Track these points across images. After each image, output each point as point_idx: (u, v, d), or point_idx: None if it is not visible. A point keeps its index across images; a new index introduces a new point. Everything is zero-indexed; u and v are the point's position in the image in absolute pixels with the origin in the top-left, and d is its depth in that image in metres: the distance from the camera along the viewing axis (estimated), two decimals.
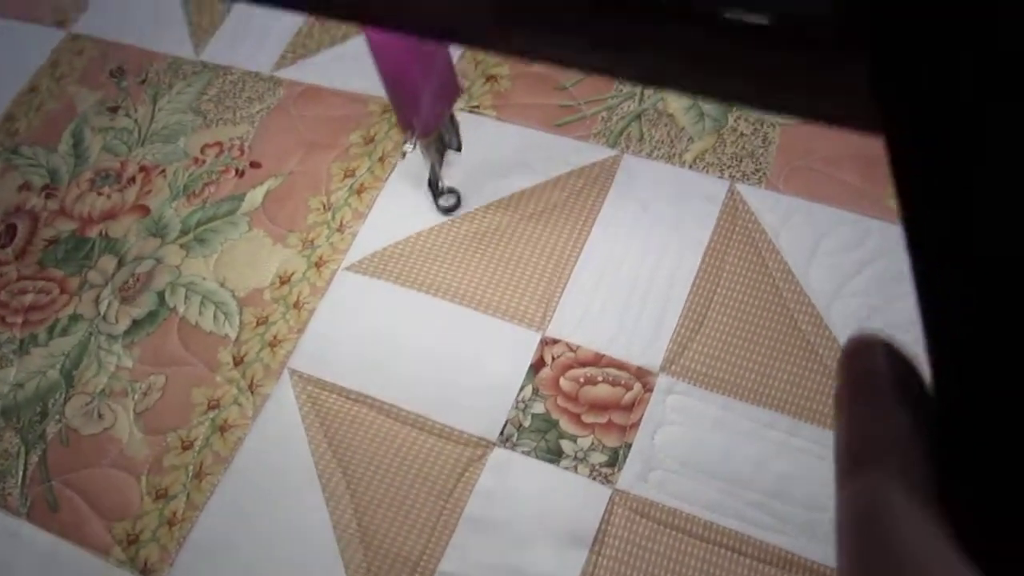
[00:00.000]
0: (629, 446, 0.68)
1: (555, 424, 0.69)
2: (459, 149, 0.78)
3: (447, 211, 0.80)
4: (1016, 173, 0.17)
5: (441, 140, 0.75)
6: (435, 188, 0.79)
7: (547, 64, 0.29)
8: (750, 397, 0.68)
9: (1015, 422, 0.17)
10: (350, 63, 0.91)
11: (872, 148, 0.77)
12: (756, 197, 0.76)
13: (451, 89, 0.72)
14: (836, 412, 0.22)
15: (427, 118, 0.70)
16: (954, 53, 0.17)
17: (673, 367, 0.70)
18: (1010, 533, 0.18)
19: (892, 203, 0.75)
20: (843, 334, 0.70)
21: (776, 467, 0.66)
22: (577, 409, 0.70)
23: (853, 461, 0.21)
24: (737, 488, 0.65)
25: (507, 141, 0.82)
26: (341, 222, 0.82)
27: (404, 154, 0.72)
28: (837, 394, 0.22)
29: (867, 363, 0.22)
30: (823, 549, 0.63)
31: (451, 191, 0.80)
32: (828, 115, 0.25)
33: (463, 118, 0.83)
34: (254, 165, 0.87)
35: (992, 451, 0.18)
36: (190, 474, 0.72)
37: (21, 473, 0.75)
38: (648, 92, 0.83)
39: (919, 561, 0.18)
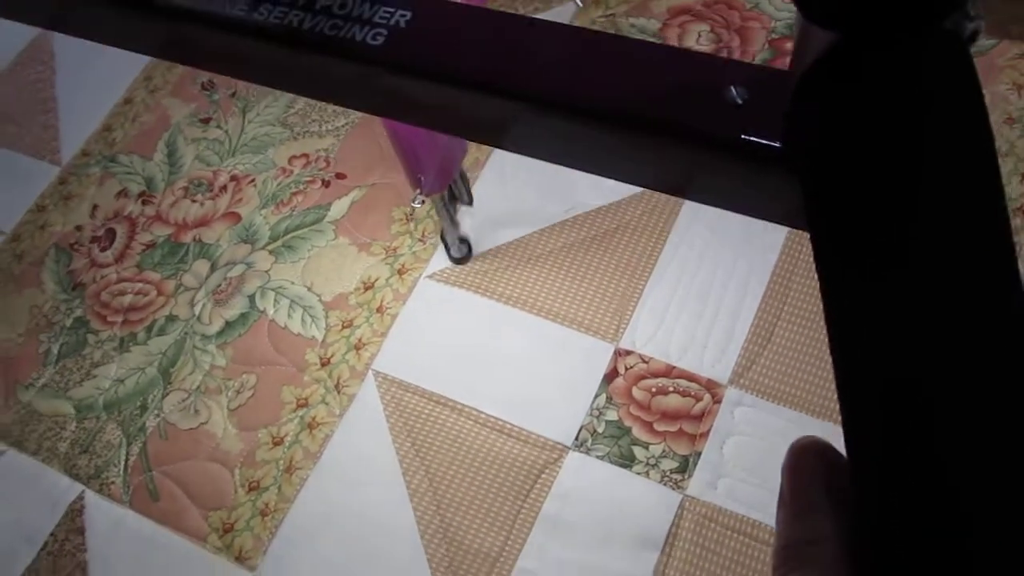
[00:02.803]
0: (699, 454, 0.71)
1: (628, 431, 0.73)
2: (470, 203, 0.79)
3: (458, 262, 0.83)
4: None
5: (452, 195, 0.77)
6: (446, 240, 0.82)
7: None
8: (816, 412, 0.72)
9: (926, 531, 0.19)
10: None
11: None
12: None
13: (458, 149, 0.73)
14: (777, 514, 0.24)
15: (435, 177, 0.70)
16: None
17: (742, 380, 0.74)
18: None
19: None
20: None
21: None
22: (649, 417, 0.73)
23: (781, 563, 0.23)
24: None
25: None
26: (423, 233, 0.86)
27: (412, 210, 0.72)
28: (779, 496, 0.24)
29: (805, 468, 0.24)
30: None
31: (463, 241, 0.82)
32: (762, 213, 0.30)
33: None
34: (339, 176, 0.92)
35: (904, 555, 0.19)
36: (281, 468, 0.77)
37: (123, 463, 0.80)
38: None
39: None
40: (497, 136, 0.35)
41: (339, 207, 0.90)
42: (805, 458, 0.24)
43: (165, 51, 0.42)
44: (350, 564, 0.72)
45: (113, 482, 0.79)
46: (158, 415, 0.82)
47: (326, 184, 0.92)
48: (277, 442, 0.78)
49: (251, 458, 0.78)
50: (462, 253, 0.83)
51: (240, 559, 0.74)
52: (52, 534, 0.78)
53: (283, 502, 0.75)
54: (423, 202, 0.73)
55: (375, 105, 0.38)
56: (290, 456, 0.77)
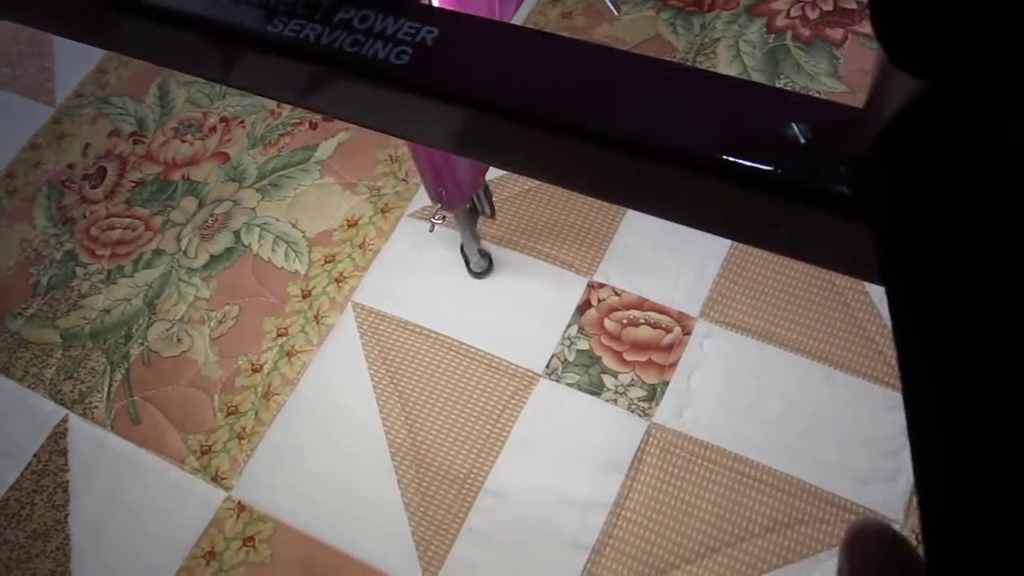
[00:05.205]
0: (667, 384, 0.73)
1: (598, 360, 0.74)
2: (492, 216, 0.74)
3: (478, 275, 0.80)
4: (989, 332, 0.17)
5: (473, 208, 0.72)
6: (466, 254, 0.78)
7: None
8: (784, 345, 0.73)
9: None
10: None
11: None
12: None
13: (481, 164, 0.67)
14: None
15: (457, 191, 0.65)
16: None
17: (712, 313, 0.75)
18: None
19: None
20: (877, 291, 0.74)
21: (806, 410, 0.70)
22: (619, 348, 0.75)
23: None
24: (767, 427, 0.70)
25: None
26: (407, 174, 0.87)
27: (432, 227, 0.66)
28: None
29: (865, 552, 0.22)
30: (849, 485, 0.67)
31: (483, 254, 0.79)
32: (823, 261, 0.27)
33: None
34: (327, 119, 0.93)
35: None
36: (259, 394, 0.78)
37: (107, 389, 0.82)
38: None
39: None
40: (532, 167, 0.31)
41: (326, 148, 0.91)
42: (871, 543, 0.22)
43: (177, 61, 0.39)
44: (321, 486, 0.74)
45: (96, 407, 0.81)
46: (142, 343, 0.83)
47: (313, 126, 0.93)
48: (256, 369, 0.80)
49: (231, 384, 0.79)
50: (482, 267, 0.80)
51: (216, 479, 0.75)
52: (36, 455, 0.80)
53: (259, 426, 0.77)
54: (444, 218, 0.68)
55: (399, 128, 0.34)
56: (268, 382, 0.79)
